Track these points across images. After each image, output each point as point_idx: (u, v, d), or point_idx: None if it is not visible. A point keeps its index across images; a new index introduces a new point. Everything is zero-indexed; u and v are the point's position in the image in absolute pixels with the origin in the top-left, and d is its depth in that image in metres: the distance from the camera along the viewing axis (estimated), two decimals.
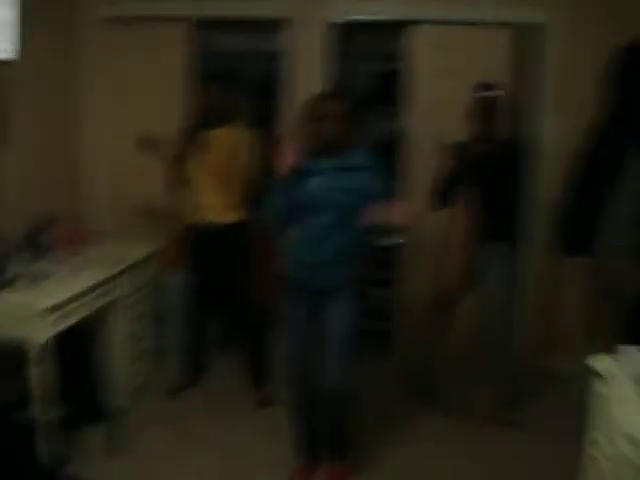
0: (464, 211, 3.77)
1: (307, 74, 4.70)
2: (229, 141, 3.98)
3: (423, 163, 4.58)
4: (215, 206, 4.01)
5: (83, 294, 3.41)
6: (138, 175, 4.56)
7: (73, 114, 4.79)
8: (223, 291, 4.36)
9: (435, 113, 4.62)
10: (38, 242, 3.77)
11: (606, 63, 3.43)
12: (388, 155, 5.12)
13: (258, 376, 4.28)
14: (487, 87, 3.80)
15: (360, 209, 2.91)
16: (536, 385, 4.51)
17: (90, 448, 3.54)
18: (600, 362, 2.40)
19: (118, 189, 4.95)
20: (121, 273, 3.87)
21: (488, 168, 3.76)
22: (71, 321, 3.35)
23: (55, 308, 3.14)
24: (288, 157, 2.86)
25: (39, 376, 3.13)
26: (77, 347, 3.82)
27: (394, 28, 4.93)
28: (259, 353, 4.28)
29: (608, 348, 3.41)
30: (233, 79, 5.16)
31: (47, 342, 3.13)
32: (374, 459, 3.58)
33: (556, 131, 4.56)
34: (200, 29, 4.91)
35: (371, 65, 5.52)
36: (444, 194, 3.87)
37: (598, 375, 2.37)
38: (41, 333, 3.09)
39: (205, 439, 3.74)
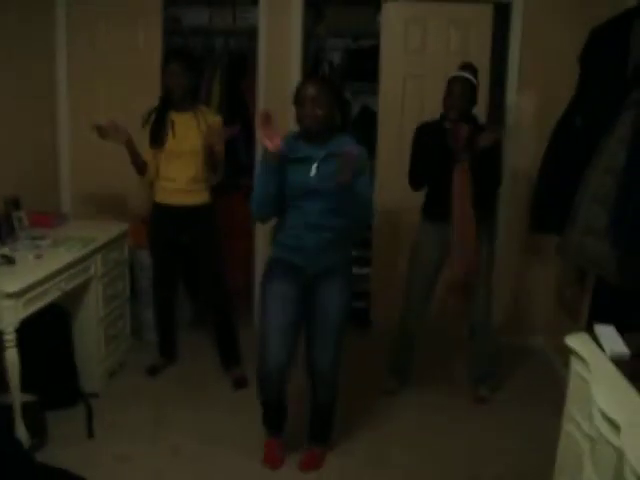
0: (458, 186, 3.70)
1: (281, 51, 4.64)
2: (195, 125, 3.89)
3: (398, 139, 4.55)
4: (180, 188, 3.94)
5: (52, 276, 3.33)
6: (108, 157, 4.48)
7: (43, 94, 4.71)
8: (189, 272, 4.34)
9: (411, 90, 4.60)
10: (5, 225, 3.69)
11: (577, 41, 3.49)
12: (364, 132, 5.11)
13: (230, 357, 4.25)
14: (467, 68, 3.74)
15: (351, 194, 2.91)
16: (507, 359, 4.52)
17: (67, 431, 3.50)
18: (577, 341, 2.39)
19: (87, 171, 4.90)
20: (92, 254, 3.79)
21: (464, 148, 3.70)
22: (42, 304, 3.29)
23: (24, 291, 3.07)
24: (270, 141, 2.78)
25: (12, 360, 3.07)
26: (52, 329, 3.76)
27: (369, 4, 4.89)
28: (229, 334, 4.24)
29: (580, 327, 3.45)
30: (198, 58, 5.12)
31: (18, 326, 3.07)
32: (351, 440, 3.57)
33: (525, 109, 4.57)
34: (169, 5, 4.82)
35: (346, 41, 5.44)
36: (425, 175, 3.83)
37: (575, 354, 2.36)
38: (11, 317, 3.03)
39: (181, 420, 3.71)
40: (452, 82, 3.70)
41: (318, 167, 2.93)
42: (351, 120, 5.53)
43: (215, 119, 4.00)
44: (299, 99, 2.91)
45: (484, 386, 4.07)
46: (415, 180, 3.84)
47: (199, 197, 4.00)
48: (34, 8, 4.50)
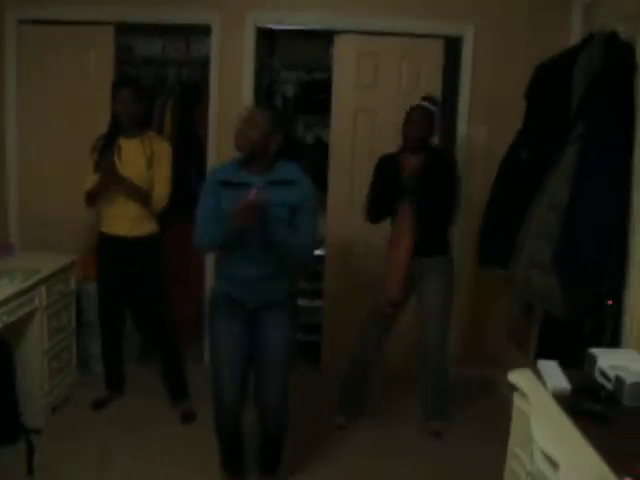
0: (401, 223, 3.73)
1: (234, 81, 4.64)
2: (141, 151, 3.87)
3: (349, 172, 4.57)
4: (125, 218, 3.90)
5: None
6: (58, 188, 4.42)
7: None
8: (135, 304, 4.28)
9: (360, 122, 4.62)
10: None
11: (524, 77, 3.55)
12: (315, 164, 5.12)
13: (177, 390, 4.19)
14: (429, 100, 3.77)
15: (291, 224, 2.89)
16: (460, 393, 4.51)
17: (8, 468, 3.38)
18: (521, 377, 2.40)
19: (36, 201, 4.83)
20: (36, 285, 3.71)
21: (421, 181, 3.71)
22: None
23: None
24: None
25: None
26: None
27: (322, 37, 4.93)
28: (175, 367, 4.17)
29: (529, 360, 3.46)
30: (151, 87, 5.11)
31: None
32: (302, 474, 3.53)
33: (475, 141, 4.63)
34: (121, 34, 4.81)
35: (299, 74, 5.47)
36: (375, 207, 3.84)
37: (518, 390, 2.36)
38: None
39: (125, 459, 3.60)
40: (411, 111, 3.73)
41: (256, 194, 2.85)
42: (303, 151, 5.56)
43: (162, 145, 3.98)
44: (238, 124, 2.90)
45: (437, 420, 4.05)
46: (371, 212, 3.85)
47: (145, 227, 3.95)
48: None
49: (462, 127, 4.66)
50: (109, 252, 3.99)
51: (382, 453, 3.80)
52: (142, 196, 3.86)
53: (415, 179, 3.64)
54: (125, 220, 3.89)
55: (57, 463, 3.50)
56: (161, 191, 3.90)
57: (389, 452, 3.82)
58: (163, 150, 3.96)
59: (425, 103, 3.74)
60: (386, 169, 3.81)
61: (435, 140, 3.93)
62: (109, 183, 3.78)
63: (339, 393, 4.14)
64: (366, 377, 4.07)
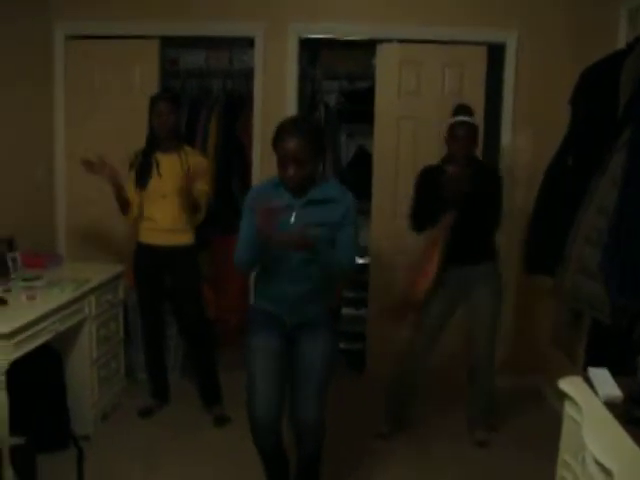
0: (437, 231, 3.71)
1: (277, 92, 4.69)
2: (179, 166, 3.93)
3: (393, 181, 4.57)
4: (162, 228, 3.98)
5: (45, 317, 3.32)
6: (105, 198, 4.48)
7: (41, 134, 4.75)
8: (175, 311, 4.34)
9: (404, 131, 4.62)
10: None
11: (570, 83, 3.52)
12: (359, 174, 5.14)
13: (210, 395, 4.25)
14: (466, 111, 3.75)
15: (330, 241, 2.84)
16: (505, 402, 4.49)
17: (58, 474, 3.43)
18: (571, 385, 2.36)
19: (84, 212, 4.93)
20: (86, 295, 3.78)
21: (468, 193, 3.69)
22: (33, 345, 3.26)
23: (16, 333, 3.05)
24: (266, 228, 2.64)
25: (1, 402, 3.03)
26: (44, 370, 3.73)
27: (364, 46, 4.94)
28: (210, 374, 4.23)
29: (579, 368, 3.41)
30: (192, 97, 5.18)
31: (8, 367, 3.03)
32: None
33: (520, 149, 4.60)
34: (166, 47, 4.89)
35: (342, 83, 5.49)
36: (420, 216, 3.83)
37: (569, 398, 2.33)
38: (2, 358, 3.00)
39: (172, 465, 3.65)
40: (456, 127, 3.69)
41: (297, 215, 2.81)
42: (343, 162, 5.58)
43: (199, 159, 4.05)
44: (280, 155, 2.74)
45: (481, 429, 4.02)
46: (418, 224, 3.83)
47: (182, 238, 4.03)
48: (32, 49, 4.57)
49: (506, 134, 4.63)
50: (146, 262, 4.07)
51: (426, 464, 3.77)
52: (120, 200, 3.93)
53: (460, 185, 3.62)
54: (162, 231, 3.98)
55: (106, 469, 3.55)
56: (201, 205, 3.99)
57: (434, 462, 3.79)
58: (201, 165, 4.02)
59: (467, 118, 3.71)
60: (431, 182, 3.78)
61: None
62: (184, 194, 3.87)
63: (384, 404, 4.12)
64: (412, 390, 4.06)
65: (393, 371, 4.05)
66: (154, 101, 3.96)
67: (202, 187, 3.96)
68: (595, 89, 3.39)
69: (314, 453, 3.10)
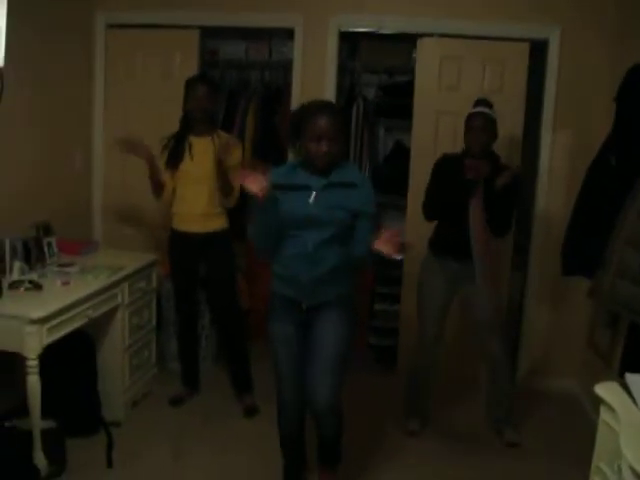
0: (475, 213, 3.67)
1: (316, 84, 4.66)
2: (212, 149, 3.91)
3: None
4: (196, 215, 3.97)
5: (79, 303, 3.34)
6: (143, 186, 4.53)
7: (80, 121, 4.79)
8: (208, 299, 4.36)
9: (442, 127, 4.57)
10: (35, 250, 3.72)
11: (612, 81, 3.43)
12: (397, 169, 5.09)
13: (242, 383, 4.26)
14: (485, 103, 3.71)
15: (350, 225, 2.87)
16: (536, 404, 4.46)
17: (87, 459, 3.48)
18: (608, 391, 2.31)
19: (121, 199, 4.96)
20: (119, 282, 3.80)
21: (487, 185, 3.65)
22: (66, 331, 3.29)
23: (49, 318, 3.08)
24: (254, 185, 2.67)
25: (33, 386, 3.06)
26: (77, 356, 3.76)
27: (404, 40, 4.90)
28: (241, 362, 4.24)
29: (614, 373, 3.34)
30: (234, 90, 5.17)
31: (41, 352, 3.07)
32: (363, 476, 3.51)
33: (559, 149, 4.52)
34: (206, 37, 4.90)
35: (381, 77, 5.44)
36: (439, 206, 3.80)
37: (605, 403, 2.28)
38: (35, 343, 3.04)
39: (201, 454, 3.68)
40: (472, 118, 3.69)
41: (317, 197, 2.84)
42: (380, 156, 5.55)
43: (234, 144, 4.02)
44: (311, 131, 2.78)
45: (509, 429, 3.97)
46: (430, 210, 3.82)
47: (215, 223, 4.02)
48: (73, 36, 4.62)
49: (546, 133, 4.54)
50: (180, 249, 4.07)
51: (443, 460, 3.75)
52: (154, 180, 3.93)
53: (481, 183, 3.59)
54: (196, 217, 3.97)
55: (135, 455, 3.58)
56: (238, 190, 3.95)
57: (450, 459, 3.76)
58: (238, 152, 4.01)
59: (484, 109, 3.67)
60: (450, 170, 3.75)
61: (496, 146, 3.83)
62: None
63: (404, 400, 4.11)
64: (428, 386, 4.05)
65: (409, 369, 4.07)
66: (190, 84, 3.96)
67: (235, 164, 3.93)
68: None
69: (332, 435, 3.15)
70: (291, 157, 4.71)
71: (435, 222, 3.89)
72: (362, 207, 2.88)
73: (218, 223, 4.03)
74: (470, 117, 3.71)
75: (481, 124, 3.65)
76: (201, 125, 3.95)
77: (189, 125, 3.96)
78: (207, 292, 4.33)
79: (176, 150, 3.94)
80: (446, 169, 3.78)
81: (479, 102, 3.75)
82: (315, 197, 2.83)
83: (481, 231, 3.65)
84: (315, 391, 2.98)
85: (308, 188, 2.85)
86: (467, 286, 3.83)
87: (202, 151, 3.91)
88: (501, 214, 3.68)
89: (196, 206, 3.96)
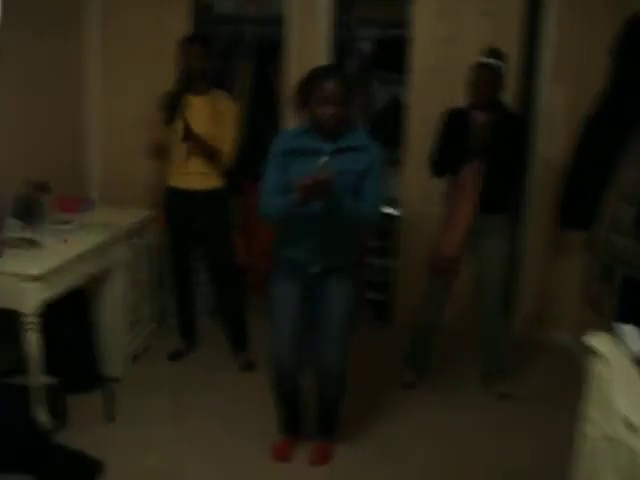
0: (467, 179, 3.68)
1: (310, 38, 4.62)
2: (209, 108, 3.92)
3: (426, 130, 4.50)
4: (193, 173, 3.98)
5: (77, 260, 3.36)
6: (138, 143, 4.51)
7: (73, 78, 4.74)
8: (205, 256, 4.37)
9: (438, 81, 4.54)
10: (31, 208, 3.71)
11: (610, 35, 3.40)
12: (392, 122, 5.07)
13: (238, 340, 4.30)
14: (493, 54, 3.68)
15: (359, 188, 2.89)
16: (531, 356, 4.53)
17: (87, 414, 3.53)
18: (599, 341, 2.34)
19: (117, 156, 4.95)
20: (115, 240, 3.81)
21: (493, 137, 3.66)
22: (65, 287, 3.32)
23: (48, 274, 3.10)
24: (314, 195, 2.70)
25: (32, 342, 3.10)
26: (75, 313, 3.80)
27: None
28: (237, 320, 4.29)
29: (607, 325, 3.38)
30: (228, 44, 5.12)
31: (40, 308, 3.10)
32: (366, 434, 3.56)
33: (558, 101, 4.49)
34: None
35: (375, 31, 5.38)
36: (442, 161, 3.81)
37: (597, 353, 2.31)
38: (33, 300, 3.06)
39: (200, 405, 3.74)
40: (477, 69, 3.66)
41: (327, 160, 2.81)
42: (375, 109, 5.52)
43: (228, 104, 4.04)
44: (319, 95, 2.79)
45: (501, 381, 4.04)
46: (437, 165, 3.83)
47: (211, 181, 4.03)
48: None
49: (544, 86, 4.52)
50: (177, 205, 4.08)
51: (446, 414, 3.81)
52: (212, 154, 3.93)
53: (486, 136, 3.58)
54: (193, 175, 3.98)
55: (135, 410, 3.65)
56: (227, 150, 3.98)
57: (454, 413, 3.82)
58: (230, 109, 4.02)
59: (489, 60, 3.64)
60: (455, 124, 3.76)
61: (504, 95, 3.82)
62: (185, 140, 3.85)
63: (405, 352, 4.16)
64: (430, 340, 4.09)
65: (412, 326, 4.11)
66: (185, 43, 3.94)
67: (229, 133, 3.96)
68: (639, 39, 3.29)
69: (336, 396, 3.23)
70: (287, 112, 4.71)
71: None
72: (369, 169, 2.89)
73: (214, 181, 4.04)
74: (475, 69, 3.67)
75: (485, 76, 3.63)
76: (197, 84, 3.93)
77: (185, 83, 3.95)
78: (203, 249, 4.34)
79: (173, 108, 3.92)
80: (453, 123, 3.78)
81: (486, 52, 3.69)
82: (324, 162, 2.81)
83: (469, 188, 3.66)
84: (329, 357, 3.07)
85: (317, 152, 2.85)
86: (485, 239, 3.84)
87: (198, 110, 3.91)
88: (510, 163, 3.70)
89: (193, 164, 3.96)
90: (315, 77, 2.84)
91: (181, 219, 4.12)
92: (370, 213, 2.94)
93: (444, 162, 3.79)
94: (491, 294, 3.91)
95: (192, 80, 3.92)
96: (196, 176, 3.98)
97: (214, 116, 3.92)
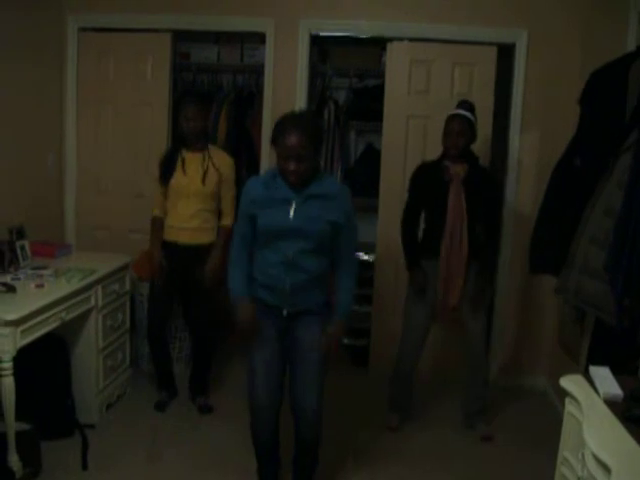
0: (459, 226, 3.77)
1: (287, 87, 4.70)
2: (203, 164, 3.97)
3: (401, 178, 4.57)
4: (188, 229, 4.01)
5: (52, 306, 3.35)
6: (113, 190, 4.53)
7: (51, 124, 4.78)
8: (185, 314, 4.44)
9: (414, 130, 4.64)
10: (9, 254, 3.71)
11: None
12: (368, 170, 5.15)
13: (199, 383, 4.29)
14: (464, 105, 3.80)
15: (330, 235, 2.92)
16: (509, 400, 4.56)
17: (61, 460, 3.48)
18: (572, 382, 2.38)
19: (92, 203, 4.97)
20: (93, 285, 3.81)
21: (467, 188, 3.76)
22: (40, 333, 3.29)
23: (23, 320, 3.08)
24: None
25: (6, 388, 3.06)
26: (51, 358, 3.76)
27: (375, 44, 4.96)
28: (205, 363, 4.28)
29: (580, 367, 3.42)
30: (206, 94, 5.20)
31: (15, 354, 3.06)
32: (345, 475, 3.55)
33: (530, 149, 4.61)
34: (178, 41, 4.93)
35: (352, 80, 5.50)
36: (416, 217, 3.94)
37: (570, 395, 2.35)
38: (9, 345, 3.03)
39: (171, 453, 3.69)
40: (450, 120, 3.77)
41: (297, 209, 2.86)
42: (351, 159, 5.62)
43: (226, 160, 4.08)
44: (281, 150, 2.80)
45: (482, 424, 4.07)
46: (408, 217, 3.95)
47: (204, 237, 4.04)
48: (45, 39, 4.60)
49: (514, 135, 4.63)
50: (168, 258, 4.06)
51: (422, 454, 3.82)
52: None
53: (460, 176, 3.71)
54: (185, 230, 4.01)
55: (110, 457, 3.59)
56: (227, 210, 4.05)
57: (429, 453, 3.83)
58: (226, 165, 4.06)
59: (463, 112, 3.76)
60: (429, 176, 3.85)
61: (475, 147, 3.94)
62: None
63: (388, 395, 4.17)
64: (410, 383, 4.13)
65: (395, 367, 4.13)
66: (183, 103, 3.99)
67: (229, 192, 4.04)
68: (603, 91, 3.40)
69: (312, 438, 3.18)
70: (264, 161, 4.77)
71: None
72: (343, 221, 2.93)
73: (207, 237, 4.05)
74: (448, 119, 3.79)
75: (458, 127, 3.73)
76: (193, 141, 3.98)
77: (182, 139, 4.01)
78: (185, 304, 4.37)
79: (169, 165, 3.98)
80: (425, 176, 3.88)
81: (460, 104, 3.82)
82: (295, 210, 2.85)
83: (462, 235, 3.76)
84: (304, 398, 3.04)
85: (288, 201, 2.88)
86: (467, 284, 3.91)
87: (194, 167, 3.96)
88: (479, 215, 3.84)
89: (186, 219, 3.99)
90: (279, 128, 2.84)
91: (171, 272, 4.08)
92: (353, 271, 3.08)
93: (413, 217, 3.95)
94: (477, 336, 3.96)
95: (190, 140, 3.97)
96: (189, 231, 4.01)
97: (211, 172, 3.96)
